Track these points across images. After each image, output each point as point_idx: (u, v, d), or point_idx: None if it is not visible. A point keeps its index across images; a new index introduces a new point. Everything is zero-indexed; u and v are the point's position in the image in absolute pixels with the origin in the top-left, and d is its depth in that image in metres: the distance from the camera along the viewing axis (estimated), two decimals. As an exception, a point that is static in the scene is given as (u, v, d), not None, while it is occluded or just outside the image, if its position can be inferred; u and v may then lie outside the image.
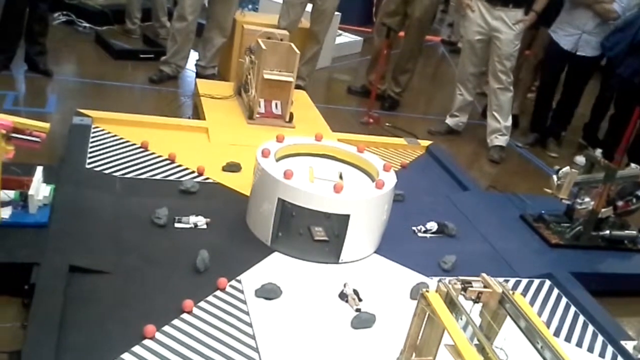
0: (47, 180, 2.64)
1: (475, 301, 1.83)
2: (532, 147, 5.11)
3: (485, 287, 1.83)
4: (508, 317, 1.75)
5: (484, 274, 1.88)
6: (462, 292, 1.82)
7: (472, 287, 1.83)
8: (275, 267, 2.60)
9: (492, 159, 4.70)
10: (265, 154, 2.78)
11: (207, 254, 2.46)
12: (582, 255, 3.22)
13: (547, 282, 2.90)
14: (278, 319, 2.30)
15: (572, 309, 2.74)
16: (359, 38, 7.08)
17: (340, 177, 2.87)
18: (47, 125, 2.41)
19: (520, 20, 4.51)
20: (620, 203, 3.35)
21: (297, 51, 3.93)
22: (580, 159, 4.64)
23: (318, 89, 5.18)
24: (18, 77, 4.45)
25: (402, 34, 5.32)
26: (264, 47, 3.84)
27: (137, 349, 2.01)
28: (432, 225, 3.10)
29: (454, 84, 5.07)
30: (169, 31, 5.33)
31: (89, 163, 3.09)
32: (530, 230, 3.33)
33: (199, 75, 4.94)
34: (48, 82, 4.47)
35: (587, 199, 3.32)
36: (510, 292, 1.76)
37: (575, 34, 4.62)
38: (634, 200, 3.36)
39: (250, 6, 6.54)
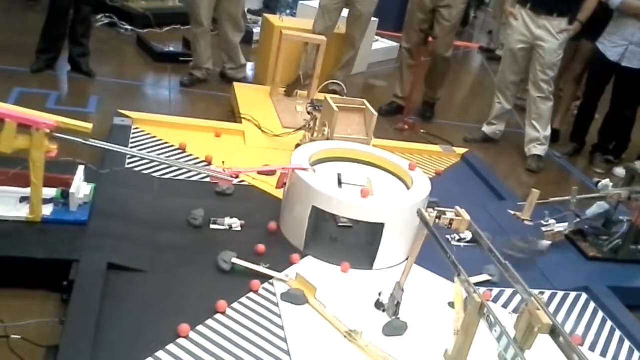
0: (88, 179, 2.70)
1: (448, 227, 2.18)
2: (570, 157, 5.03)
3: (456, 215, 2.17)
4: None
5: (457, 207, 2.19)
6: (437, 219, 2.16)
7: (445, 215, 2.16)
8: (307, 271, 2.61)
9: (530, 168, 4.64)
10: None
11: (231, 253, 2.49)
12: (620, 269, 3.15)
13: (584, 296, 2.85)
14: (309, 322, 2.31)
15: (609, 323, 2.69)
16: (395, 44, 7.04)
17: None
18: (89, 125, 2.47)
19: (564, 30, 4.43)
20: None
21: (374, 112, 3.37)
22: (620, 171, 4.56)
23: (353, 94, 5.16)
24: (61, 77, 4.57)
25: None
26: (335, 108, 3.27)
27: (171, 347, 2.04)
28: (467, 234, 3.07)
29: (491, 91, 5.02)
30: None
31: (129, 163, 3.14)
32: (568, 243, 3.27)
33: (232, 79, 4.98)
34: (90, 82, 4.57)
35: (551, 221, 3.19)
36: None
37: (622, 45, 4.52)
38: None
39: (288, 11, 6.59)
